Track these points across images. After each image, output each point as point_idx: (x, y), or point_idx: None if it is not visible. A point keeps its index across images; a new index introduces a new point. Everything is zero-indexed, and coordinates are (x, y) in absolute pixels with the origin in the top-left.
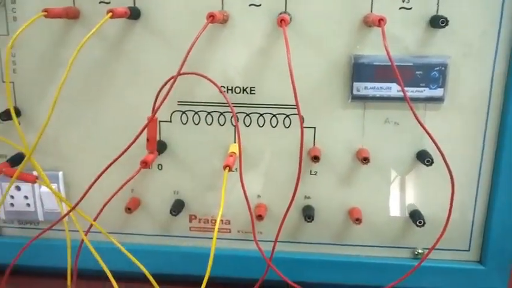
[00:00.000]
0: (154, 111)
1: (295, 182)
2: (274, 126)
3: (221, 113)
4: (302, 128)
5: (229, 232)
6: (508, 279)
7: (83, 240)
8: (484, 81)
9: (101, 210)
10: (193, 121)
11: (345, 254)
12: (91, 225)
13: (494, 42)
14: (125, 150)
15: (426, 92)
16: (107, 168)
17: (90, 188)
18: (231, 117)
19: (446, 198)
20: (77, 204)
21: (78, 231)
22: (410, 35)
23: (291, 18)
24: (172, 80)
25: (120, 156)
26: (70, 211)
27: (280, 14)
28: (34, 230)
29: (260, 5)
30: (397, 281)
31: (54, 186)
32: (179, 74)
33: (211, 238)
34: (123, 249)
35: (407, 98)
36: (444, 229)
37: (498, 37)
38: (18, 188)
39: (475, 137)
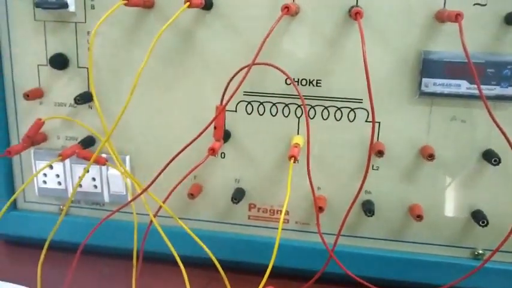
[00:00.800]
0: (226, 101)
1: (363, 176)
2: (338, 119)
3: (286, 105)
4: (374, 122)
5: (288, 223)
6: None
7: (151, 222)
8: None
9: (170, 194)
10: (258, 112)
11: (404, 251)
12: (160, 208)
13: None
14: (196, 137)
15: (497, 91)
16: (178, 153)
17: (161, 172)
18: (296, 109)
19: (510, 199)
20: (149, 185)
21: (144, 214)
22: (483, 32)
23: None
24: (245, 70)
25: (190, 143)
26: (142, 193)
27: (352, 7)
28: (100, 211)
29: None
30: (457, 280)
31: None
32: (253, 64)
33: (270, 228)
34: (192, 233)
35: (483, 95)
36: (511, 231)
37: None
38: (87, 170)
39: None
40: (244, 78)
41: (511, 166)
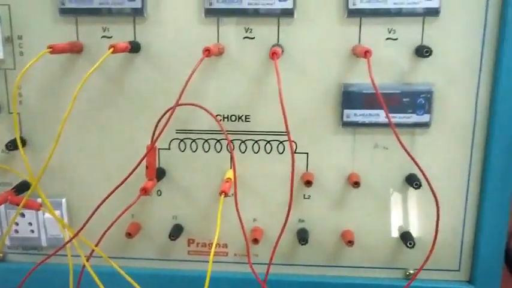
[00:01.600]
0: (154, 140)
1: (288, 206)
2: (268, 152)
3: (218, 140)
4: (293, 154)
5: (226, 255)
6: None
7: (84, 266)
8: (469, 107)
9: (102, 236)
10: (191, 148)
11: (339, 275)
12: (92, 251)
13: (477, 70)
14: (125, 179)
15: (413, 118)
16: (107, 196)
17: (91, 216)
18: (227, 144)
19: (435, 219)
20: (79, 231)
21: (80, 256)
22: (396, 64)
23: (283, 50)
24: (170, 111)
25: (120, 184)
26: (72, 238)
27: (273, 46)
28: (38, 256)
29: (254, 38)
30: None
31: (57, 212)
32: (177, 105)
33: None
34: (124, 274)
35: (392, 124)
36: (431, 251)
37: (480, 65)
38: (22, 215)
39: (462, 160)
40: (169, 119)
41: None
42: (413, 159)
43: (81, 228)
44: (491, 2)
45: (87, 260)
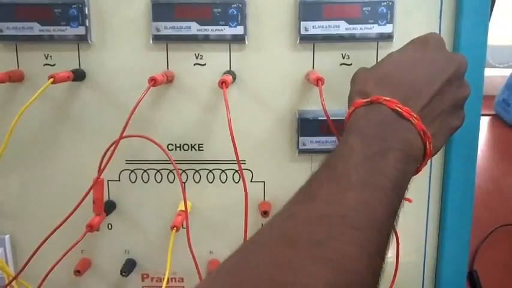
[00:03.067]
0: (99, 173)
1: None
2: (223, 181)
3: (170, 171)
4: (245, 184)
5: None
6: None
7: None
8: None
9: (45, 277)
10: (143, 179)
11: None
12: None
13: None
14: (68, 217)
15: None
16: (48, 236)
17: (32, 255)
18: (180, 174)
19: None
20: (18, 273)
21: None
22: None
23: (235, 77)
24: (115, 144)
25: (63, 222)
26: (11, 282)
27: (225, 73)
28: None
29: (205, 64)
30: None
31: (0, 250)
32: (121, 137)
33: None
34: None
35: None
36: (393, 280)
37: None
38: None
39: (421, 182)
40: (113, 151)
41: None
42: None
43: (21, 270)
44: (443, 27)
45: None
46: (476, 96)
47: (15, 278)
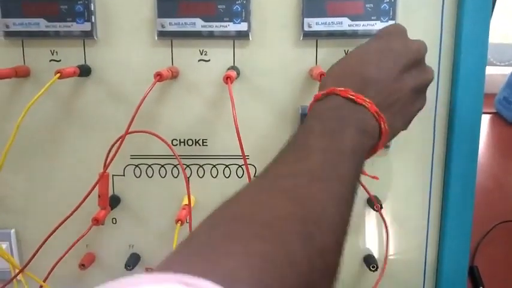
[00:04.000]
0: (105, 167)
1: None
2: (227, 176)
3: (174, 166)
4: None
5: None
6: None
7: None
8: (428, 128)
9: (51, 271)
10: (147, 174)
11: None
12: (41, 286)
13: (434, 90)
14: (74, 210)
15: None
16: (55, 229)
17: (38, 249)
18: (185, 169)
19: (397, 241)
20: (25, 266)
21: None
22: None
23: (239, 73)
24: (120, 139)
25: (69, 216)
26: (17, 274)
27: (229, 69)
28: None
29: (209, 60)
30: None
31: (6, 244)
32: (127, 133)
33: None
34: None
35: None
36: (382, 273)
37: (437, 85)
38: None
39: (423, 179)
40: (119, 146)
41: (394, 210)
42: (362, 185)
43: (27, 264)
44: (445, 24)
45: None
46: (478, 94)
47: (21, 270)
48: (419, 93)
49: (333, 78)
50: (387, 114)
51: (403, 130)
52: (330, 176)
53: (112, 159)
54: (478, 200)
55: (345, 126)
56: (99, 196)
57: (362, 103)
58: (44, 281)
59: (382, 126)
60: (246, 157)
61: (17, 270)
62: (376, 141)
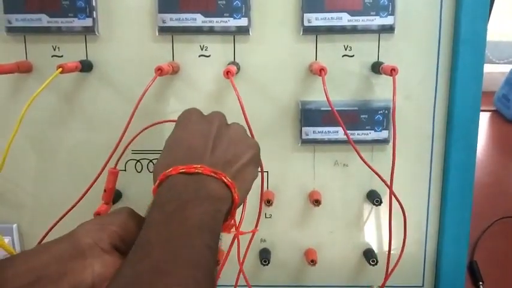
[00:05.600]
0: (116, 163)
1: (255, 223)
2: None
3: None
4: (262, 173)
5: None
6: None
7: None
8: (426, 121)
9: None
10: (148, 169)
11: None
12: None
13: (434, 83)
14: (76, 204)
15: (372, 135)
16: (56, 223)
17: (40, 242)
18: None
19: (398, 235)
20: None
21: None
22: (354, 80)
23: (239, 68)
24: (135, 136)
25: (69, 210)
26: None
27: (229, 63)
28: None
29: (209, 56)
30: None
31: (8, 238)
32: (145, 128)
33: None
34: None
35: (351, 142)
36: (388, 269)
37: (436, 78)
38: None
39: (422, 174)
40: (131, 141)
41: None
42: (377, 174)
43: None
44: (444, 20)
45: None
46: (476, 91)
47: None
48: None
49: (160, 166)
50: (226, 172)
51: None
52: (177, 265)
53: (122, 154)
54: (477, 196)
55: (184, 204)
56: (104, 191)
57: (194, 171)
58: None
59: (225, 180)
60: None
61: None
62: (229, 202)
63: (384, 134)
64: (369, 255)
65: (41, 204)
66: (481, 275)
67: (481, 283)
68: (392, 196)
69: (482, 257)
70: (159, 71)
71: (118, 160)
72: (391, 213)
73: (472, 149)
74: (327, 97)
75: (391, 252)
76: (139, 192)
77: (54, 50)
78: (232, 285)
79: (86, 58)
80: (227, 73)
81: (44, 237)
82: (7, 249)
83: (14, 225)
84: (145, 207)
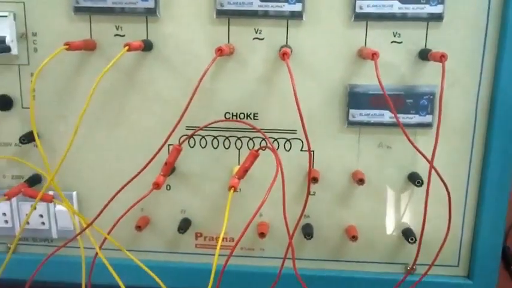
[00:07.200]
0: (181, 141)
1: (304, 202)
2: (276, 149)
3: (226, 137)
4: (310, 151)
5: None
6: None
7: (96, 254)
8: (469, 108)
9: (114, 225)
10: (200, 145)
11: (343, 270)
12: (105, 239)
13: (478, 72)
14: (142, 170)
15: (416, 119)
16: (123, 187)
17: (107, 205)
18: (236, 141)
19: (435, 216)
20: (94, 220)
21: (91, 248)
22: (401, 66)
23: (291, 51)
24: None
25: (136, 176)
26: (88, 226)
27: (282, 47)
28: (48, 247)
29: (263, 39)
30: None
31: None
32: (225, 120)
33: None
34: (139, 262)
35: (400, 124)
36: (442, 245)
37: (481, 67)
38: (34, 207)
39: (462, 159)
40: (183, 114)
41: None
42: (422, 153)
43: (96, 218)
44: (492, 8)
45: (100, 248)
46: None
47: (90, 224)
48: None
49: None
50: None
51: None
52: None
53: (192, 135)
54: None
55: None
56: (165, 164)
57: None
58: (108, 233)
59: None
60: (294, 131)
61: (80, 227)
62: None
63: (428, 119)
64: (408, 233)
65: (99, 173)
66: None
67: None
68: (431, 177)
69: None
70: (219, 51)
71: (181, 137)
72: (428, 191)
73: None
74: (379, 80)
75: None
76: (191, 166)
77: (117, 29)
78: (276, 257)
79: (146, 38)
80: (283, 55)
81: (104, 207)
82: (72, 210)
83: (74, 193)
84: (197, 180)
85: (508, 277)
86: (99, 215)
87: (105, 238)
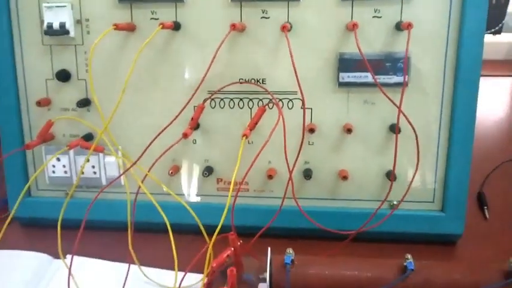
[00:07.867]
0: (204, 102)
1: (298, 150)
2: (281, 108)
3: (240, 99)
4: (305, 108)
5: (248, 191)
6: (463, 223)
7: (139, 187)
8: (439, 69)
9: (153, 164)
10: (220, 105)
11: (338, 206)
12: (145, 176)
13: (445, 39)
14: (174, 119)
15: (394, 79)
16: (159, 134)
17: (148, 147)
18: (248, 102)
19: (413, 159)
20: (137, 160)
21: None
22: (381, 36)
23: (291, 26)
24: (207, 74)
25: (170, 124)
26: (132, 165)
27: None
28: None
29: (269, 18)
30: (375, 225)
31: (113, 158)
32: (241, 81)
33: (234, 196)
34: (177, 198)
35: (377, 82)
36: (411, 181)
37: (447, 36)
38: (87, 159)
39: (434, 112)
40: (203, 78)
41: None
42: (393, 102)
43: (140, 157)
44: None
45: (142, 182)
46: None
47: (134, 163)
48: None
49: None
50: None
51: None
52: None
53: (213, 94)
54: (491, 139)
55: None
56: (192, 119)
57: None
58: (149, 171)
59: None
60: (295, 92)
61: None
62: None
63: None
64: (389, 174)
65: (138, 132)
66: (486, 201)
67: (485, 207)
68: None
69: (489, 190)
70: (233, 26)
71: (207, 99)
72: (397, 134)
73: (474, 85)
74: (358, 46)
75: (409, 174)
76: (212, 123)
77: (152, 14)
78: (280, 197)
79: (175, 20)
80: (283, 28)
81: (145, 149)
82: (122, 154)
83: (119, 147)
84: (217, 134)
85: (482, 216)
86: (140, 156)
87: (146, 174)
